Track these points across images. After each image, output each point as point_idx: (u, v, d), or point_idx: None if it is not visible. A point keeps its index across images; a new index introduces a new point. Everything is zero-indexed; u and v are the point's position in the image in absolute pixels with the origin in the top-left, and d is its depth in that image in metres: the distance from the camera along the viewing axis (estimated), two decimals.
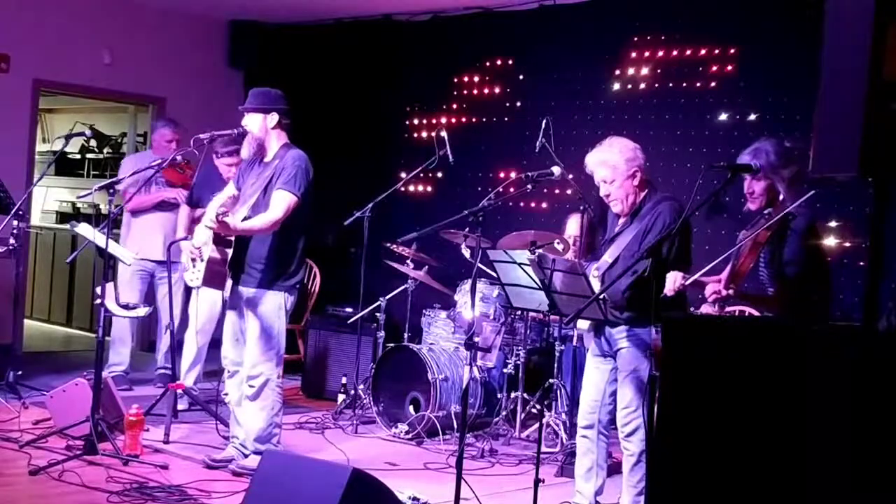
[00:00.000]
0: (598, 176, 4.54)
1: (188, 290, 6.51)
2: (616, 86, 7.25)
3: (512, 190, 5.64)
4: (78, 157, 11.30)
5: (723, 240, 6.68)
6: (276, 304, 5.12)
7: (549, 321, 6.20)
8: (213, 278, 5.17)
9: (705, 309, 4.19)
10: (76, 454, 5.12)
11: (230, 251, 5.11)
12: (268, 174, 5.09)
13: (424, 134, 8.31)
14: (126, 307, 6.24)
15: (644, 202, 4.53)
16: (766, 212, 4.27)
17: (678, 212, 4.41)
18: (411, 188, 8.22)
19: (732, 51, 6.70)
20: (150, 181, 6.86)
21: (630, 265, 4.22)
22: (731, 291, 4.05)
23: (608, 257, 4.50)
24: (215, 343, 6.06)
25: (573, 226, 6.37)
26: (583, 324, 4.58)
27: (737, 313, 4.06)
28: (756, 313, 4.21)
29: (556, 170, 4.66)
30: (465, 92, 8.16)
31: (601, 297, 4.09)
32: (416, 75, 8.51)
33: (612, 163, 4.49)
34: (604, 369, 4.59)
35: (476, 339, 6.00)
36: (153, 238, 7.03)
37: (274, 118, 5.16)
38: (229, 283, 5.18)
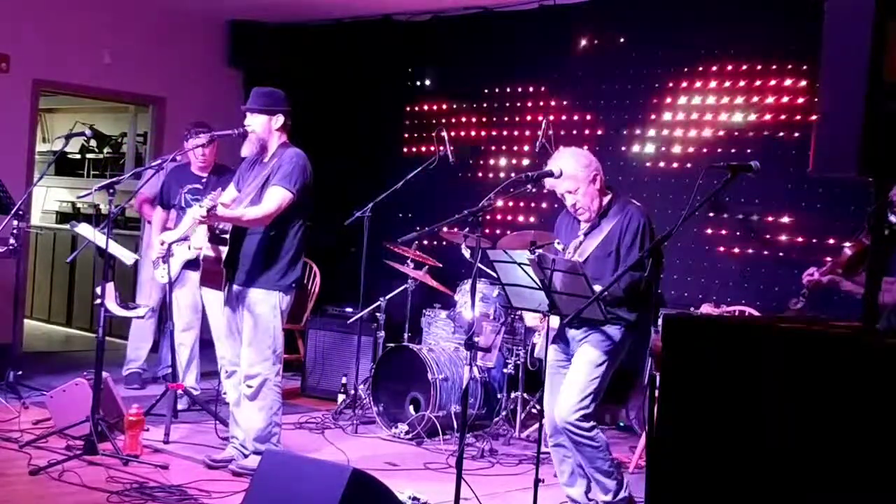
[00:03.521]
0: (562, 189, 4.58)
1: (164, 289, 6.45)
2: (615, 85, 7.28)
3: (512, 190, 5.63)
4: (78, 157, 11.30)
5: (723, 240, 6.70)
6: (271, 303, 5.11)
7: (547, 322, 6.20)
8: (209, 278, 5.17)
9: (705, 309, 4.20)
10: (76, 454, 5.12)
11: (225, 249, 5.10)
12: (265, 173, 5.08)
13: (424, 134, 8.31)
14: (126, 307, 6.24)
15: (610, 204, 4.60)
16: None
17: (645, 214, 4.58)
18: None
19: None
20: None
21: (634, 262, 4.22)
22: (824, 278, 4.10)
23: (578, 258, 4.50)
24: (209, 343, 6.07)
25: None
26: (531, 320, 4.57)
27: (736, 313, 4.06)
28: (756, 313, 4.22)
29: (556, 169, 4.66)
30: (466, 91, 8.16)
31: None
32: (415, 75, 8.51)
33: (571, 172, 4.54)
34: (564, 373, 4.60)
35: (476, 339, 6.00)
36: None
37: (279, 120, 5.15)
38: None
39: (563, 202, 4.70)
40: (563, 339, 4.62)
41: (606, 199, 4.62)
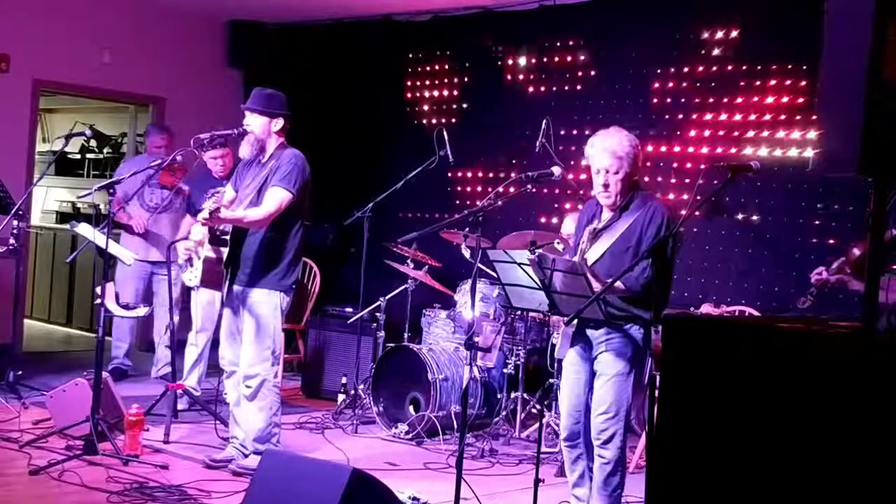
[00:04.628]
0: (601, 163, 4.37)
1: (187, 291, 6.53)
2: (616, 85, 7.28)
3: (512, 190, 5.64)
4: (78, 157, 11.30)
5: (723, 240, 6.70)
6: (272, 303, 5.11)
7: (549, 321, 6.20)
8: (210, 278, 5.18)
9: (705, 309, 4.19)
10: (76, 454, 5.12)
11: (226, 250, 5.10)
12: (264, 174, 5.08)
13: (424, 133, 8.30)
14: (126, 307, 6.24)
15: (632, 199, 4.43)
16: None
17: (669, 210, 4.43)
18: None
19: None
20: (143, 184, 6.91)
21: (639, 258, 4.18)
22: (832, 278, 4.13)
23: (594, 254, 4.42)
24: (216, 343, 6.07)
25: (569, 225, 6.37)
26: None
27: (736, 313, 4.06)
28: (756, 313, 4.22)
29: (556, 170, 4.64)
30: (466, 91, 8.16)
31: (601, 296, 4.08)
32: (415, 75, 8.51)
33: (620, 152, 4.35)
34: (584, 376, 4.51)
35: (476, 339, 6.00)
36: (153, 240, 7.08)
37: (279, 123, 5.14)
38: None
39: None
40: (583, 341, 4.48)
41: (631, 192, 4.43)
